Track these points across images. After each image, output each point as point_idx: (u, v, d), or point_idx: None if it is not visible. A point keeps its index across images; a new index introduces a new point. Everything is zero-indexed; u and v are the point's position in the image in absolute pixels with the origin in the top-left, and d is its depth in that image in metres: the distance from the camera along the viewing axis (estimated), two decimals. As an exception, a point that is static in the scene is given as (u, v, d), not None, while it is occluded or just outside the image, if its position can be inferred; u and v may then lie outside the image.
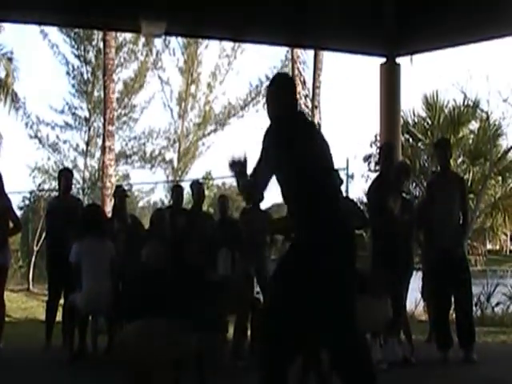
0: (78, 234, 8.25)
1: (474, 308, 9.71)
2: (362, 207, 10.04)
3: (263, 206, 10.27)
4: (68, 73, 26.96)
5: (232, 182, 26.77)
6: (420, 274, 10.13)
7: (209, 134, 28.67)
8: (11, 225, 8.65)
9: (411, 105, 16.84)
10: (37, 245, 19.72)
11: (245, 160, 4.78)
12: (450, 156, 8.95)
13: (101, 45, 22.74)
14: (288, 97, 4.94)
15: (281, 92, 4.94)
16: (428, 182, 9.69)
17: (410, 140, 16.49)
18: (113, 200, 10.71)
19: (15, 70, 26.21)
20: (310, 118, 4.98)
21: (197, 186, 10.21)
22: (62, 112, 27.27)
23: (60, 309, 8.91)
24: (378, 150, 8.49)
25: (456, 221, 8.50)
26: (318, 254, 4.57)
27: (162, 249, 8.38)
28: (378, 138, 12.69)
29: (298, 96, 5.06)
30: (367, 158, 18.53)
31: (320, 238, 4.60)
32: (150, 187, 27.81)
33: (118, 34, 23.71)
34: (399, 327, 8.37)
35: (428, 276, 9.82)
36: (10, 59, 26.38)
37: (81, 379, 7.20)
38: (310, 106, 17.13)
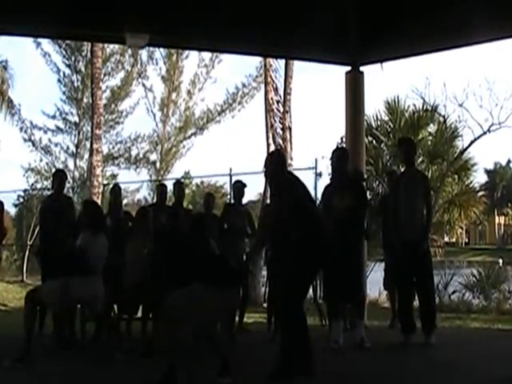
0: (80, 227, 7.77)
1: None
2: None
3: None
4: (59, 80, 27.20)
5: (210, 180, 26.81)
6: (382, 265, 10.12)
7: (189, 137, 28.80)
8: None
9: (374, 109, 16.81)
10: (30, 240, 19.66)
11: None
12: (414, 153, 8.89)
13: (89, 55, 22.76)
14: None
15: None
16: (394, 179, 9.56)
17: (374, 142, 16.50)
18: (102, 197, 10.62)
19: (10, 78, 26.22)
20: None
21: (178, 185, 10.23)
22: (54, 117, 27.58)
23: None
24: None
25: (420, 215, 8.47)
26: None
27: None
28: (344, 139, 12.71)
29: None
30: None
31: None
32: (135, 186, 28.13)
33: (107, 46, 24.11)
34: (363, 311, 8.48)
35: (390, 267, 9.83)
36: (5, 67, 26.34)
37: (70, 362, 7.27)
38: (281, 110, 17.08)
